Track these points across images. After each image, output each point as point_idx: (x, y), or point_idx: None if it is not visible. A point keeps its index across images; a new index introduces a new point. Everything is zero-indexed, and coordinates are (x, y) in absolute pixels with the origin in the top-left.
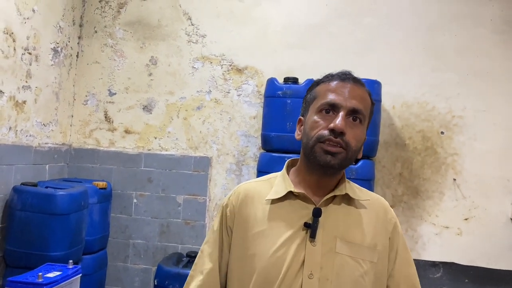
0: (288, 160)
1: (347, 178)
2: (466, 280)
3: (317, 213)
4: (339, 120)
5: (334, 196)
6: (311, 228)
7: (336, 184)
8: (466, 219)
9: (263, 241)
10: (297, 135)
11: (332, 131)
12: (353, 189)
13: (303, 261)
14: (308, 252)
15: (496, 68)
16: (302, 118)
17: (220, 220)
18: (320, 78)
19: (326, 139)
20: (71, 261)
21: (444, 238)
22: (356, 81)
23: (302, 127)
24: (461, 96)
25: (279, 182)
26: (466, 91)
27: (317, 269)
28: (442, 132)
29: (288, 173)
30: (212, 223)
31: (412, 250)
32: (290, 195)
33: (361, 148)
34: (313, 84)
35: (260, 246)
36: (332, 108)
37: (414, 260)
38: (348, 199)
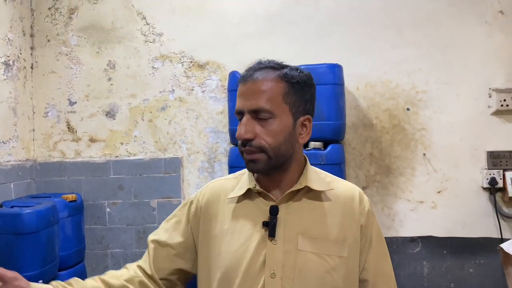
0: None
1: (315, 164)
2: (445, 251)
3: (273, 211)
4: (240, 129)
5: (298, 191)
6: (268, 226)
7: (298, 176)
8: (439, 192)
9: (226, 240)
10: None
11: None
12: (316, 179)
13: (264, 260)
14: (269, 250)
15: (454, 39)
16: None
17: (185, 213)
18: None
19: (242, 150)
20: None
21: (419, 212)
22: (256, 76)
23: None
24: (422, 70)
25: (244, 179)
26: (428, 65)
27: (279, 267)
28: (408, 109)
29: None
30: (171, 215)
31: (390, 227)
32: (252, 192)
33: (288, 137)
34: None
35: (224, 245)
36: (241, 115)
37: (393, 238)
38: (311, 192)
